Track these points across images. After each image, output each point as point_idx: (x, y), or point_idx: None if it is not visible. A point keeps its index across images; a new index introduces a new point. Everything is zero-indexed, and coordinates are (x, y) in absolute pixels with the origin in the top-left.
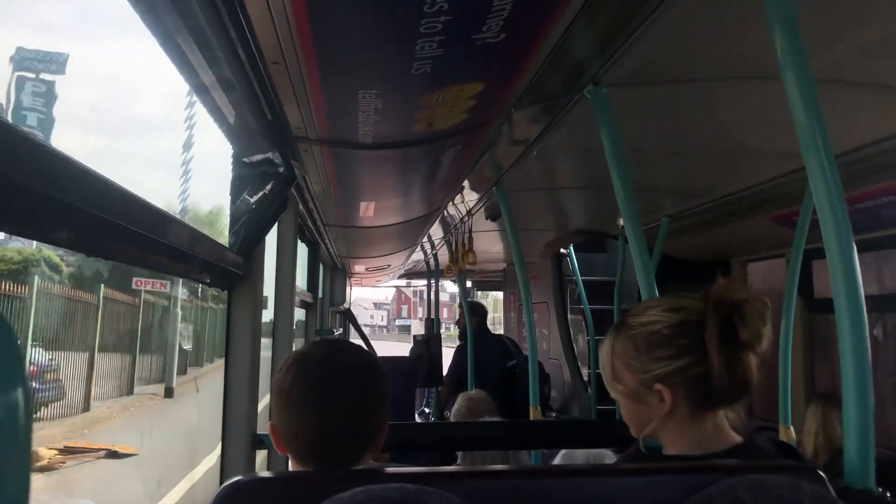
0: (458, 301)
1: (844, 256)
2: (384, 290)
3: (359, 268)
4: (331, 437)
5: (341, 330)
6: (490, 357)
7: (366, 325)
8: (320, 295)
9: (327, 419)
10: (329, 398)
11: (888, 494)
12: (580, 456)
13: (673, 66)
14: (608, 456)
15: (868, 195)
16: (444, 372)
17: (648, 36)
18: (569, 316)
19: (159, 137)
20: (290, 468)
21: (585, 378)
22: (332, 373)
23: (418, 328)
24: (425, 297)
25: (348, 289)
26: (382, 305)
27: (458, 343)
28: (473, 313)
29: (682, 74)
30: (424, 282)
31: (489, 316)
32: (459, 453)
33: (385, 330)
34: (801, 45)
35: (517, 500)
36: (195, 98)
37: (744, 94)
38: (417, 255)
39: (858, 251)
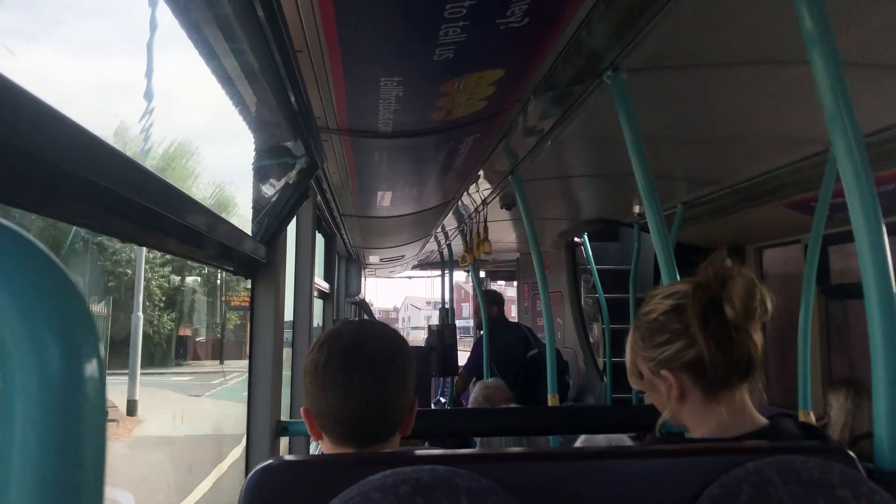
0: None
1: (873, 237)
2: (439, 288)
3: (373, 258)
4: (367, 413)
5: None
6: (511, 347)
7: (420, 329)
8: (336, 286)
9: (363, 395)
10: (364, 374)
11: None
12: (601, 440)
13: (693, 50)
14: (627, 441)
15: (889, 178)
16: (459, 361)
17: (669, 20)
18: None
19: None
20: (323, 452)
21: (601, 367)
22: (366, 349)
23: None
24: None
25: (363, 280)
26: (438, 305)
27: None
28: (493, 302)
29: (702, 59)
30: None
31: None
32: (477, 441)
33: None
34: (829, 26)
35: (545, 483)
36: (219, 86)
37: (763, 78)
38: (431, 246)
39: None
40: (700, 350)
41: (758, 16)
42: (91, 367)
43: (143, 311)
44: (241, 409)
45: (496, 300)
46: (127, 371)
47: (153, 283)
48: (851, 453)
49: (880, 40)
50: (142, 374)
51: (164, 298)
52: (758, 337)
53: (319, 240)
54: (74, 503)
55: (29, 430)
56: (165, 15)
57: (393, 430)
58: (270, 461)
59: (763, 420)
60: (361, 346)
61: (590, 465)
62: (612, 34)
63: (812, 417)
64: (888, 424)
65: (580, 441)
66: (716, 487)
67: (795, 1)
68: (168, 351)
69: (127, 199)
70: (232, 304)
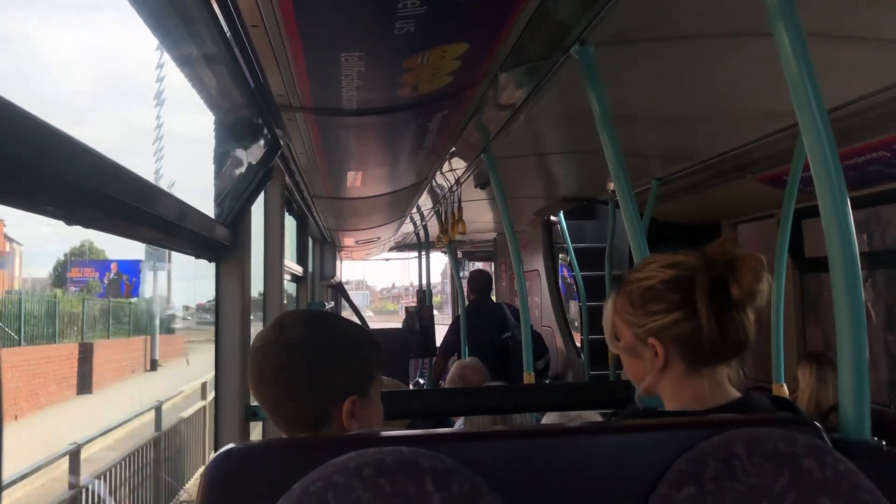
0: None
1: (838, 211)
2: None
3: (348, 241)
4: (283, 401)
5: (332, 304)
6: (486, 329)
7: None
8: (310, 269)
9: (273, 384)
10: (270, 378)
11: (883, 443)
12: (571, 417)
13: (661, 23)
14: (597, 418)
15: (858, 151)
16: (437, 342)
17: None
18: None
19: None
20: None
21: (578, 344)
22: (274, 356)
23: None
24: None
25: (338, 262)
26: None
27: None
28: (476, 282)
29: (671, 32)
30: None
31: None
32: (458, 421)
33: None
34: None
35: (512, 461)
36: (175, 66)
37: (732, 51)
38: (407, 227)
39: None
40: (696, 325)
41: None
42: None
43: None
44: None
45: (480, 280)
46: None
47: None
48: (818, 424)
49: (844, 11)
50: None
51: None
52: (752, 318)
53: (291, 222)
54: None
55: None
56: None
57: (317, 422)
58: (232, 445)
59: (736, 393)
60: (272, 351)
61: (555, 442)
62: (578, 6)
63: (785, 390)
64: (853, 396)
65: (545, 417)
66: (682, 462)
67: None
68: None
69: (89, 188)
70: None
